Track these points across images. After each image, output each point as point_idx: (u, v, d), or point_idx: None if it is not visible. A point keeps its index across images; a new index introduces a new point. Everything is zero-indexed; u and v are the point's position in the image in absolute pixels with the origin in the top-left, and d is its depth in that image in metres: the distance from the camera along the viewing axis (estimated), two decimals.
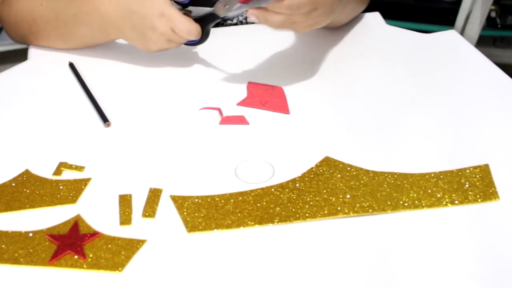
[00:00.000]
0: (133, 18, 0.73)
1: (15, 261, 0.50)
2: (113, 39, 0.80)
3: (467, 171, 0.58)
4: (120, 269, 0.49)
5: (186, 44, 0.76)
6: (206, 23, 0.74)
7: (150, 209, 0.55)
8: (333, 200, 0.55)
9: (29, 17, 0.81)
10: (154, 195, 0.57)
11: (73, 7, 0.77)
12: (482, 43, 1.52)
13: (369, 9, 0.93)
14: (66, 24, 0.79)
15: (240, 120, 0.68)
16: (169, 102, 0.72)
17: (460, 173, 0.58)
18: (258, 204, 0.55)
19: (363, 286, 0.47)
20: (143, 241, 0.51)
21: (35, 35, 0.82)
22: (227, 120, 0.68)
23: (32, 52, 0.83)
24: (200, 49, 0.81)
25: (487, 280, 0.47)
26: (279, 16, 0.63)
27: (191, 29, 0.72)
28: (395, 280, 0.47)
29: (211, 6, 0.72)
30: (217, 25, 0.92)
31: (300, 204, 0.55)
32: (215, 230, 0.53)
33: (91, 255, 0.50)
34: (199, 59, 0.81)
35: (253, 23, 0.92)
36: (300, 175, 0.59)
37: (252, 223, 0.53)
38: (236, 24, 0.92)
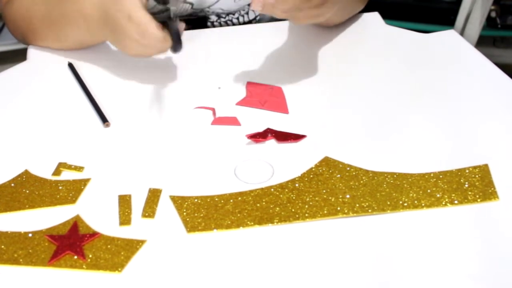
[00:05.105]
0: (109, 22, 0.70)
1: (15, 261, 0.50)
2: (101, 41, 0.80)
3: (467, 171, 0.58)
4: (119, 269, 0.49)
5: (171, 51, 0.70)
6: (170, 25, 0.68)
7: (149, 209, 0.55)
8: (333, 200, 0.55)
9: (27, 16, 0.81)
10: (153, 195, 0.57)
11: (62, 6, 0.76)
12: (482, 43, 1.52)
13: (368, 9, 0.93)
14: (57, 24, 0.78)
15: (232, 121, 0.68)
16: (169, 102, 0.72)
17: (459, 173, 0.58)
18: (258, 204, 0.55)
19: (363, 286, 0.47)
20: (142, 242, 0.51)
21: (33, 34, 0.82)
22: (219, 121, 0.68)
23: (32, 52, 0.83)
24: (199, 49, 0.81)
25: (486, 280, 0.47)
26: (288, 5, 0.60)
27: (158, 36, 0.66)
28: (394, 280, 0.47)
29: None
30: (220, 25, 0.92)
31: (300, 204, 0.55)
32: (215, 230, 0.53)
33: (90, 256, 0.50)
34: (199, 59, 0.81)
35: (250, 22, 0.92)
36: (299, 175, 0.59)
37: (252, 223, 0.53)
38: (239, 24, 0.92)
